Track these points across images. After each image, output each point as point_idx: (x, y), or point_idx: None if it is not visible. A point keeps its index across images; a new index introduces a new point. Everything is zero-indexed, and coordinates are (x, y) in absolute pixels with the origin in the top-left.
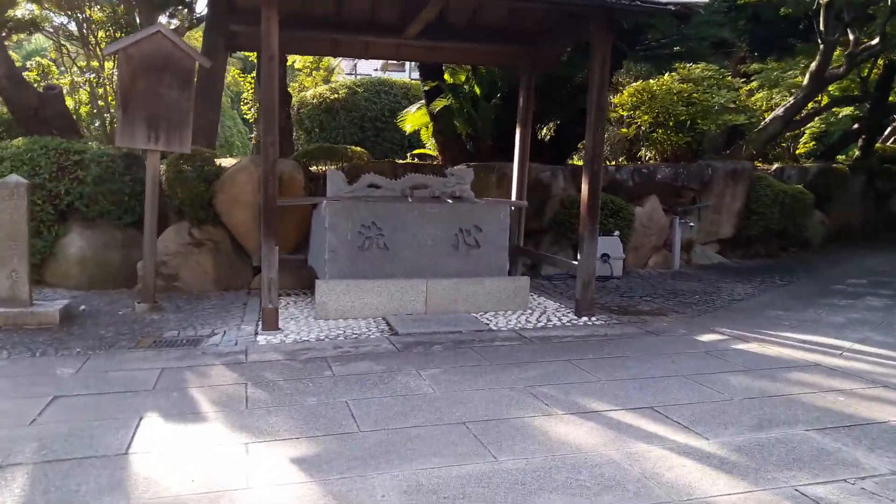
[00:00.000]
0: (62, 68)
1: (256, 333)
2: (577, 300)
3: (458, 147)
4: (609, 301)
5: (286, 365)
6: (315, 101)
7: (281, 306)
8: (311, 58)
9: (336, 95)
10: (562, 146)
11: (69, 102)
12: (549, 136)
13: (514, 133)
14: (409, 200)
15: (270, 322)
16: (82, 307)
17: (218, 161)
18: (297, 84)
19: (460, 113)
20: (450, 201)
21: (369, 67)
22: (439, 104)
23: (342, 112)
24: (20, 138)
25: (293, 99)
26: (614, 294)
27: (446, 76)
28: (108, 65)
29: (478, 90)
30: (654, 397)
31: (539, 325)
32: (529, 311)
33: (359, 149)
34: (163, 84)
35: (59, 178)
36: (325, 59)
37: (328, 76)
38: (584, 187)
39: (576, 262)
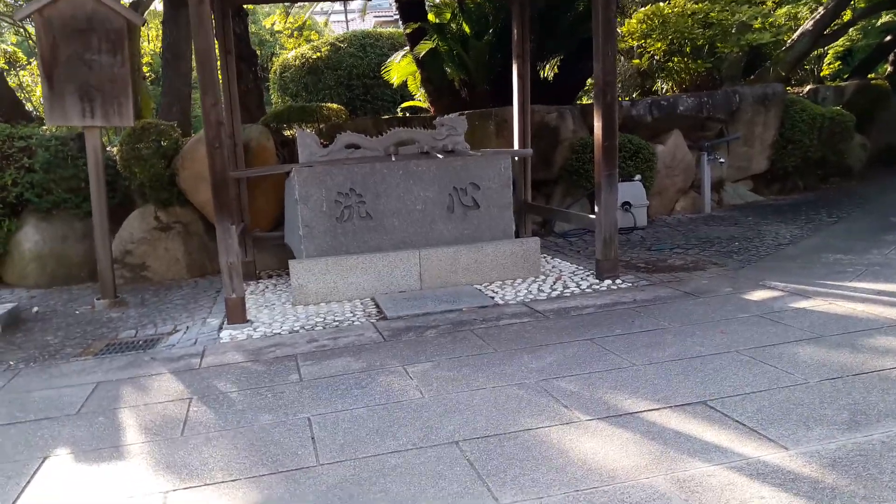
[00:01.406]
0: None
1: (221, 328)
2: (597, 260)
3: (451, 95)
4: (635, 257)
5: (245, 369)
6: (297, 62)
7: (257, 292)
8: (290, 19)
9: (318, 54)
10: (568, 84)
11: (12, 82)
12: (552, 76)
13: (510, 76)
14: (393, 159)
15: (236, 314)
16: (35, 309)
17: (175, 134)
18: (278, 48)
19: (449, 56)
20: (440, 156)
21: (364, 27)
22: (424, 48)
23: (327, 71)
24: None
25: (276, 63)
26: (640, 248)
27: (430, 16)
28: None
29: (466, 28)
30: (704, 386)
31: (554, 293)
32: (542, 277)
33: (335, 106)
34: (90, 49)
35: (4, 167)
36: (309, 20)
37: (310, 36)
38: (598, 125)
39: (593, 216)
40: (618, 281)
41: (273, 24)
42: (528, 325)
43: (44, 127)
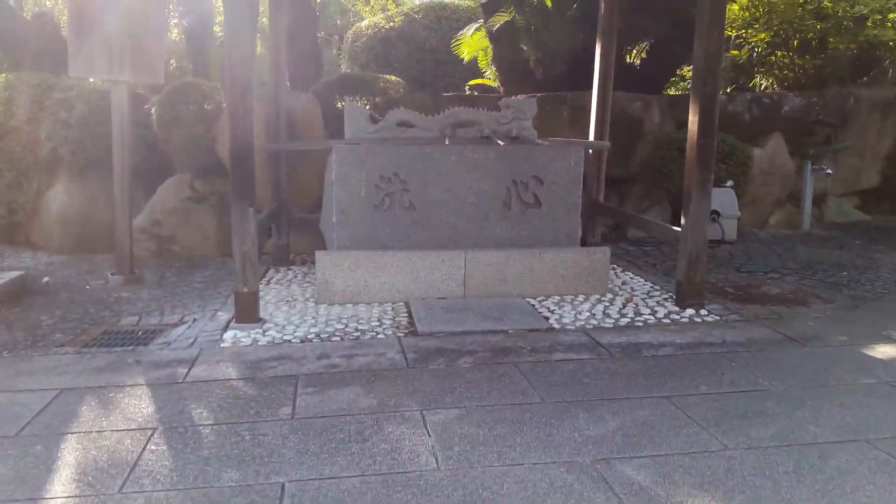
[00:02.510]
0: None
1: (227, 326)
2: (679, 283)
3: (524, 76)
4: (722, 279)
5: (233, 391)
6: (370, 31)
7: (283, 281)
8: None
9: (392, 24)
10: (655, 71)
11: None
12: (639, 61)
13: (594, 57)
14: (447, 143)
15: (246, 312)
16: (45, 279)
17: (220, 97)
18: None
19: (526, 32)
20: (501, 143)
21: None
22: (499, 20)
23: (399, 43)
24: (2, 75)
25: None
26: (727, 267)
27: None
28: None
29: (548, 2)
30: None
31: (623, 321)
32: (610, 296)
33: (394, 78)
34: None
35: (40, 119)
36: None
37: (386, 5)
38: (693, 120)
39: (677, 228)
40: (702, 311)
41: None
42: (587, 364)
43: (91, 80)
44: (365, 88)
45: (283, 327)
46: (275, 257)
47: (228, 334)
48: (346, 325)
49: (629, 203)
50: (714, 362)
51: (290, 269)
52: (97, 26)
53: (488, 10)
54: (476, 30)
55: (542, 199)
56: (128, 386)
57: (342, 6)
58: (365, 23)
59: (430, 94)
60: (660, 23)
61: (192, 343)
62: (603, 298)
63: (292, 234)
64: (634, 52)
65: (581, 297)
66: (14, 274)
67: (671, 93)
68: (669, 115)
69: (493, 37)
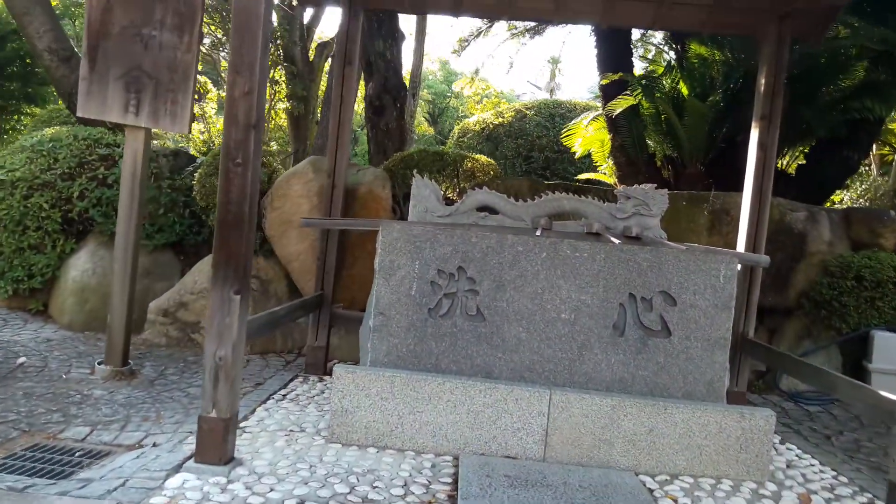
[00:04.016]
0: None
1: (182, 465)
2: (891, 484)
3: (649, 173)
4: None
5: None
6: (477, 127)
7: (300, 400)
8: (484, 86)
9: (501, 120)
10: (818, 178)
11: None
12: (794, 166)
13: (739, 152)
14: (538, 233)
15: (210, 448)
16: (21, 359)
17: (274, 165)
18: (462, 109)
19: (654, 120)
20: (616, 241)
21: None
22: (622, 104)
23: (507, 140)
24: (60, 128)
25: (456, 128)
26: None
27: (635, 73)
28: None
29: (683, 87)
30: None
31: None
32: (772, 486)
33: (484, 158)
34: (151, 22)
35: (76, 175)
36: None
37: (499, 103)
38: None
39: (869, 388)
40: None
41: (462, 89)
42: None
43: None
44: (447, 167)
45: (260, 478)
46: (308, 362)
47: (174, 479)
48: (354, 488)
49: (782, 341)
50: None
51: (322, 380)
52: (117, 60)
53: (608, 94)
54: (592, 119)
55: (673, 326)
56: None
57: (457, 112)
58: (473, 119)
59: (528, 179)
60: (826, 117)
61: (118, 488)
62: (763, 490)
63: (336, 334)
64: (788, 154)
65: (727, 484)
66: None
67: (846, 204)
68: (843, 234)
69: (613, 124)
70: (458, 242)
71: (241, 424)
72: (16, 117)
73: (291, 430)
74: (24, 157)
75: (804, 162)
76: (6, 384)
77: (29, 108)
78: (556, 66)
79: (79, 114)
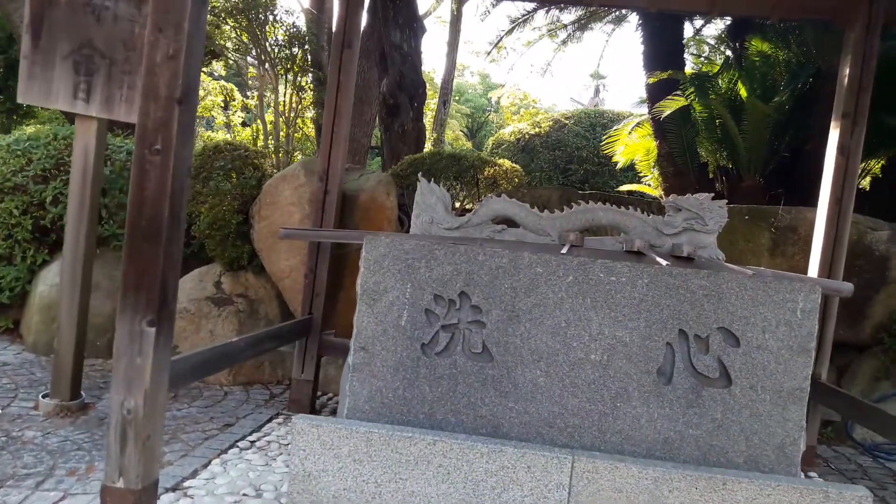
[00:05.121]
0: None
1: None
2: None
3: (699, 183)
4: None
5: None
6: (512, 138)
7: (273, 447)
8: (521, 96)
9: (538, 130)
10: None
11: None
12: (868, 179)
13: (806, 163)
14: (563, 251)
15: None
16: None
17: (266, 163)
18: (499, 122)
19: (708, 126)
20: (663, 262)
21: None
22: (670, 105)
23: (543, 151)
24: (41, 126)
25: (490, 139)
26: None
27: (687, 71)
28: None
29: (742, 88)
30: None
31: None
32: None
33: (508, 163)
34: None
35: (51, 178)
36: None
37: (538, 113)
38: None
39: None
40: None
41: (499, 98)
42: None
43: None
44: (465, 172)
45: None
46: (293, 398)
47: None
48: None
49: (854, 384)
50: None
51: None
52: (64, 35)
53: (654, 95)
54: (637, 125)
55: (735, 372)
56: None
57: (495, 125)
58: (508, 130)
59: (558, 188)
60: None
61: None
62: None
63: (333, 363)
64: (862, 165)
65: None
66: None
67: None
68: None
69: (660, 129)
70: (460, 261)
71: (186, 483)
72: (22, 120)
73: (244, 495)
74: None
75: (880, 174)
76: None
77: (37, 108)
78: (600, 81)
79: (19, 100)
